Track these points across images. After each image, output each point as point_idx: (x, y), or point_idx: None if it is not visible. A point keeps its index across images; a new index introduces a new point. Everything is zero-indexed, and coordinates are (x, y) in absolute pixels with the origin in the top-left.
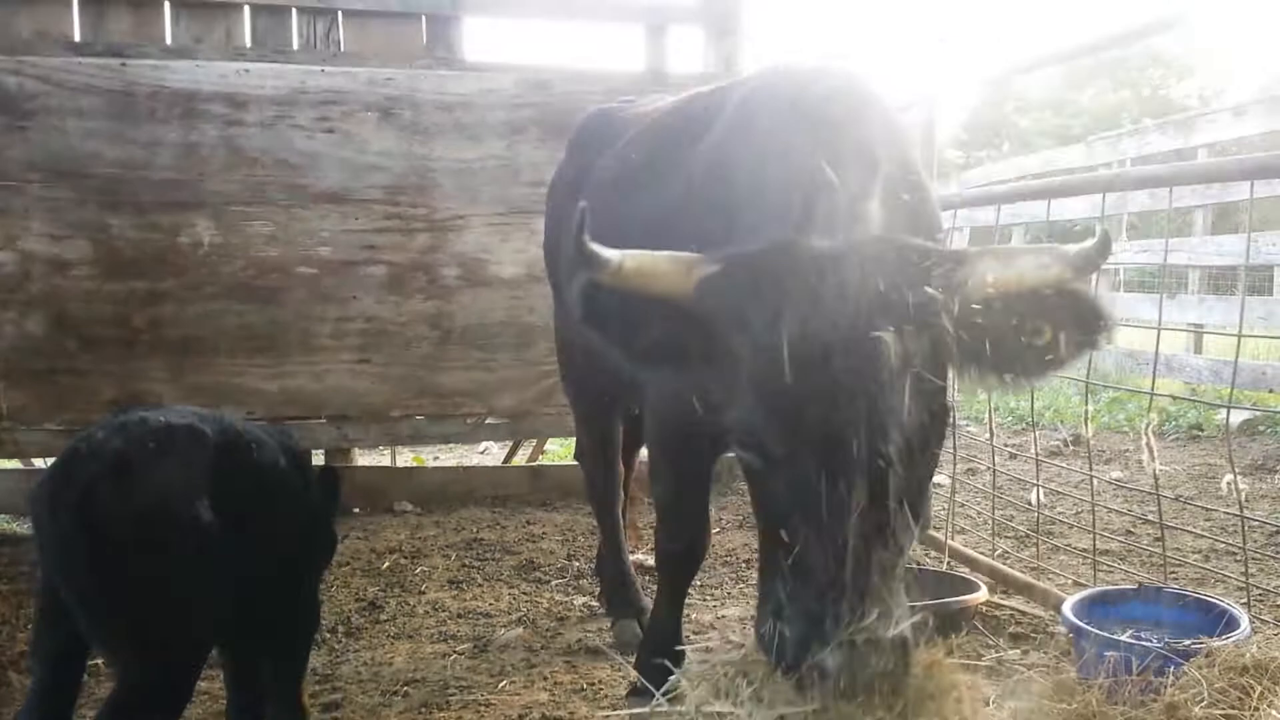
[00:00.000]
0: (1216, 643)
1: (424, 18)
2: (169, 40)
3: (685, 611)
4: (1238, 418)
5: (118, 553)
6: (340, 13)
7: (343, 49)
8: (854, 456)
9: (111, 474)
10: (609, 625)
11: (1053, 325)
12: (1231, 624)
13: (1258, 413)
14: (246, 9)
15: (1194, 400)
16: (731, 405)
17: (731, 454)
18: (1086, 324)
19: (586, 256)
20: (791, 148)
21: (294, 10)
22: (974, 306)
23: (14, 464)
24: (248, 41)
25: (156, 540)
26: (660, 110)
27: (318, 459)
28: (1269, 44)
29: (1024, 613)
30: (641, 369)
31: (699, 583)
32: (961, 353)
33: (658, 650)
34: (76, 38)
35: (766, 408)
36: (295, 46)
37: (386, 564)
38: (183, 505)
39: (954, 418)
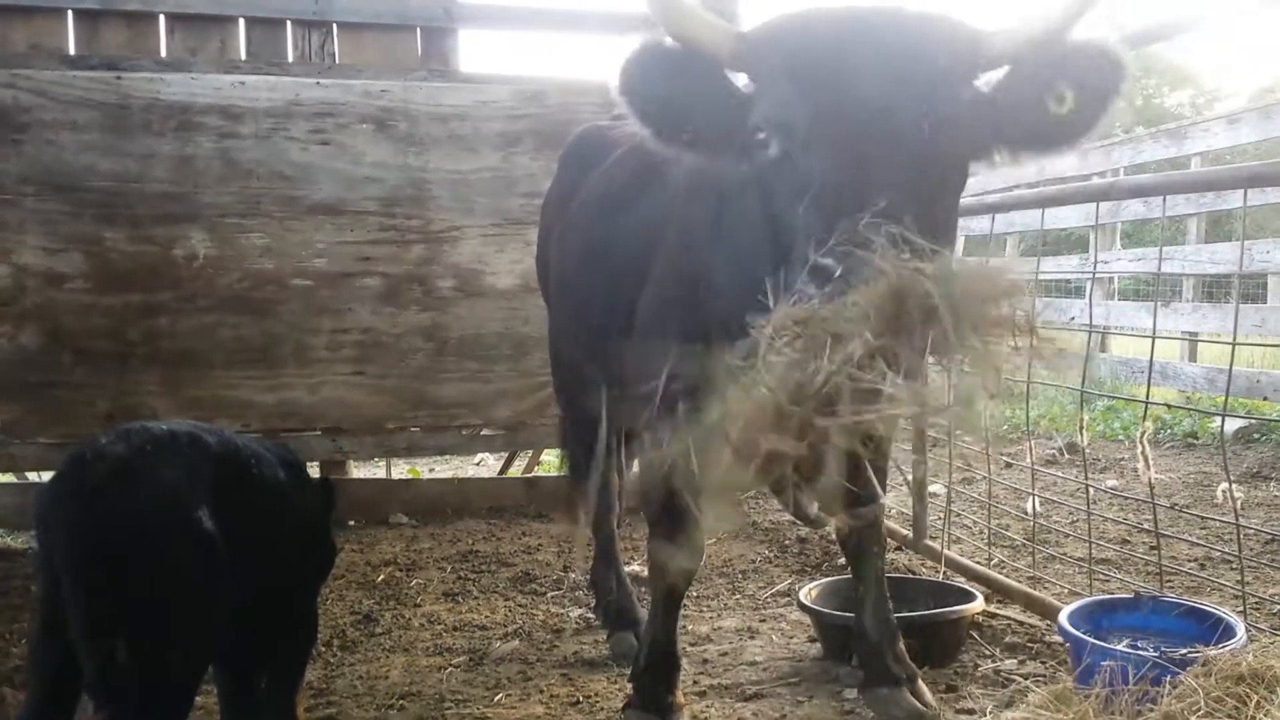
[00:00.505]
0: (1213, 651)
1: (419, 30)
2: (164, 53)
3: (681, 623)
4: (1233, 425)
5: (120, 556)
6: (335, 25)
7: (338, 61)
8: (876, 137)
9: (116, 476)
10: (605, 637)
11: (1074, 85)
12: (1228, 632)
13: (1253, 421)
14: (241, 21)
15: (1189, 409)
16: (756, 113)
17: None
18: (1105, 74)
19: None
20: None
21: (289, 22)
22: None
23: (8, 478)
24: (242, 54)
25: (159, 544)
26: None
27: (313, 471)
28: (1261, 51)
29: (1021, 622)
30: (667, 146)
31: (695, 594)
32: (994, 130)
33: (653, 662)
34: (71, 51)
35: (796, 91)
36: (290, 59)
37: (382, 576)
38: (185, 510)
39: (950, 428)
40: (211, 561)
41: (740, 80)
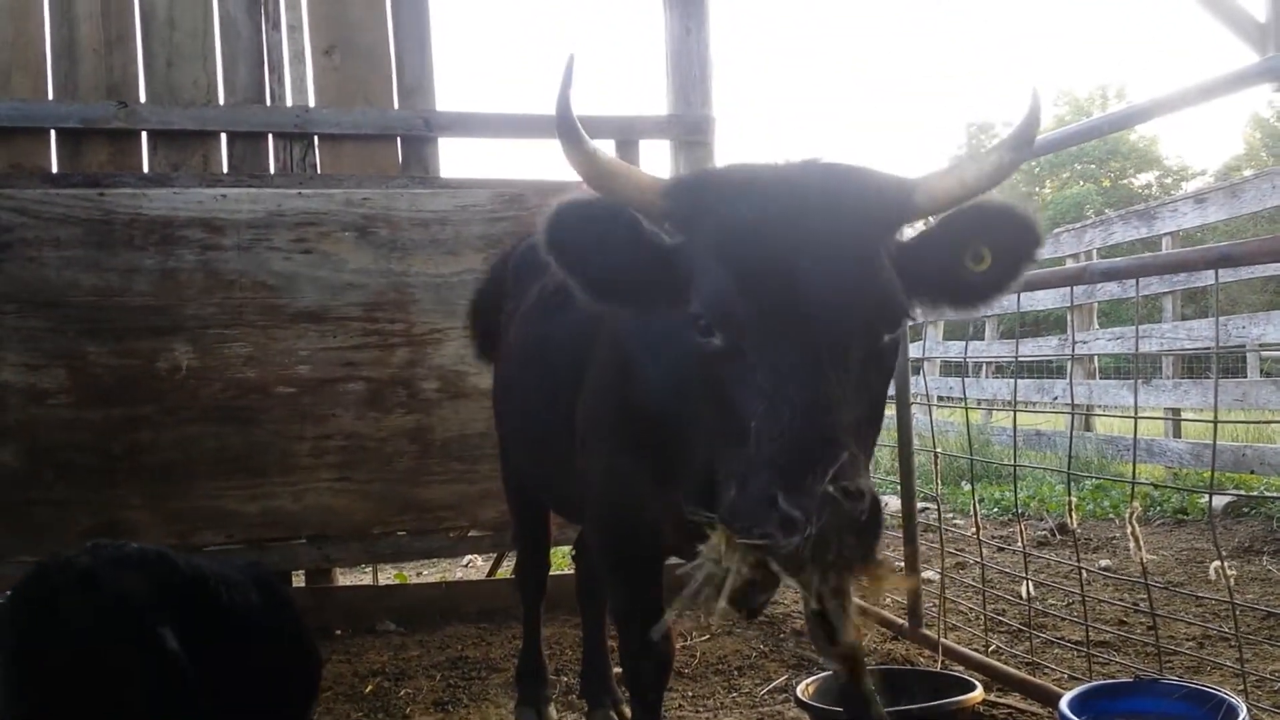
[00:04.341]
0: None
1: (399, 139)
2: (146, 169)
3: None
4: (1221, 501)
5: (77, 667)
6: (316, 137)
7: (319, 171)
8: (825, 330)
9: (76, 587)
10: None
11: (991, 247)
12: (1230, 713)
13: (1241, 495)
14: (223, 136)
15: (1175, 487)
16: (695, 298)
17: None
18: (1022, 239)
19: (567, 130)
20: None
21: (270, 136)
22: (921, 226)
23: None
24: (224, 168)
25: (117, 657)
26: None
27: (298, 580)
28: (1222, 129)
29: (1021, 710)
30: (597, 301)
31: (690, 693)
32: (911, 282)
33: None
34: (54, 169)
35: (738, 282)
36: (272, 171)
37: (369, 688)
38: (145, 625)
39: (939, 513)
40: (173, 680)
41: (662, 227)
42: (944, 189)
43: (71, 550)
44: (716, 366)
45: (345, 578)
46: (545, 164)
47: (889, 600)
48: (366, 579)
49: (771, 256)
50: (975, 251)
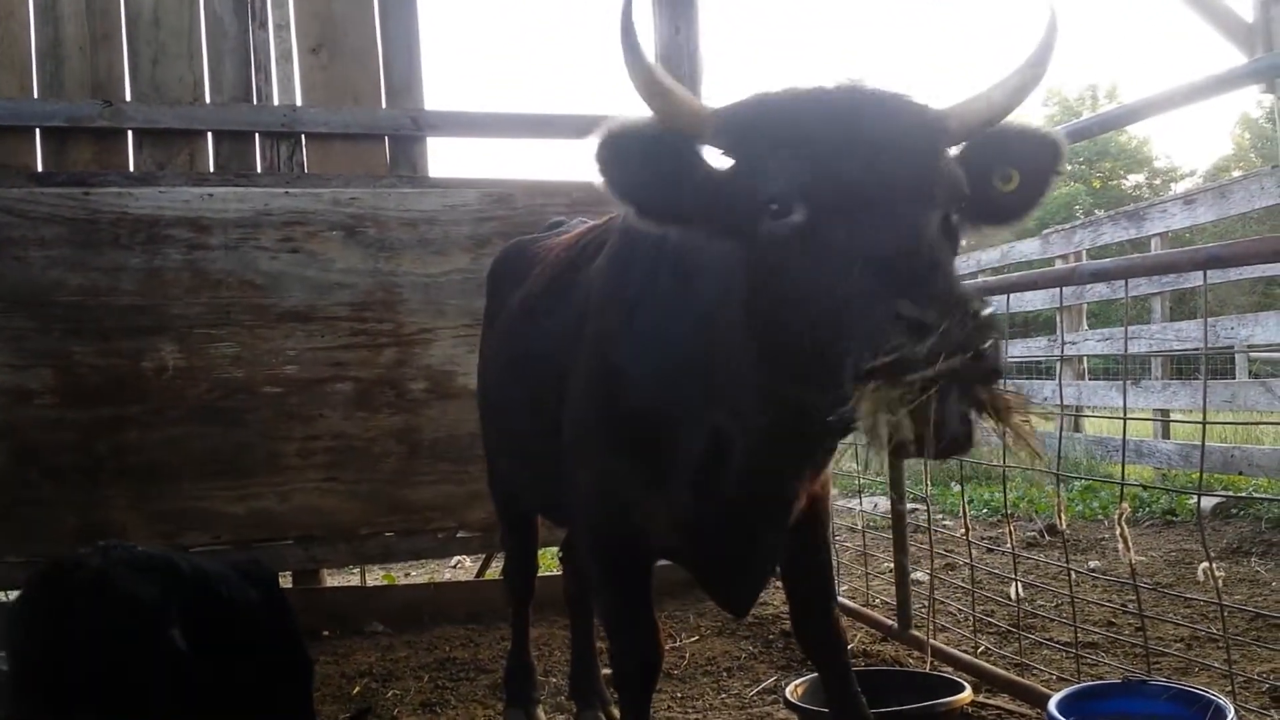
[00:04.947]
0: None
1: (387, 138)
2: (132, 168)
3: None
4: (1210, 502)
5: (90, 666)
6: (303, 135)
7: (306, 170)
8: (906, 195)
9: (90, 588)
10: None
11: (1017, 166)
12: (1218, 714)
13: (1230, 496)
14: (209, 135)
15: (1164, 488)
16: (764, 186)
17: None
18: (1045, 156)
19: (628, 40)
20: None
21: (257, 135)
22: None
23: None
24: (211, 166)
25: (129, 657)
26: (562, 243)
27: (285, 581)
28: (1212, 128)
29: (1010, 711)
30: (646, 222)
31: (679, 694)
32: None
33: None
34: (39, 168)
35: (817, 158)
36: (259, 170)
37: (357, 689)
38: (156, 626)
39: (929, 514)
40: (180, 679)
41: (712, 155)
42: (974, 113)
43: (84, 551)
44: (796, 246)
45: (333, 579)
46: (534, 164)
47: (879, 601)
48: (354, 580)
49: (845, 137)
50: (1003, 173)
